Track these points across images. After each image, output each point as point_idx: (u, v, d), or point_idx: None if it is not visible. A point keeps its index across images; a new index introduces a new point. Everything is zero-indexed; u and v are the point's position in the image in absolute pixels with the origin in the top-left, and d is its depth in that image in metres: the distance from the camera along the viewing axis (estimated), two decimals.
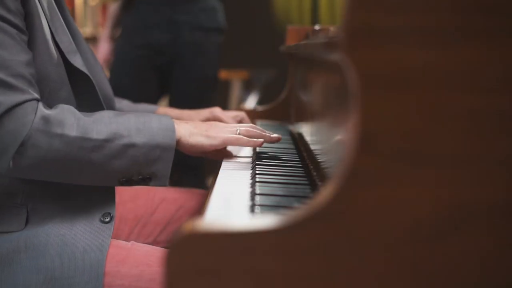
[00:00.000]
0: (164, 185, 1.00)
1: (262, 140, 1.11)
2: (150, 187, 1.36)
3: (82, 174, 0.95)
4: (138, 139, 0.95)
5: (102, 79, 1.16)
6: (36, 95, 0.92)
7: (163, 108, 1.43)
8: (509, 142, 0.55)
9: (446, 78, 0.54)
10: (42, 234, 0.95)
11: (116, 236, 1.21)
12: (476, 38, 0.54)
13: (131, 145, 0.95)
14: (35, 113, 0.90)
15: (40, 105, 0.92)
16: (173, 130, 0.99)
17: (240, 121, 1.39)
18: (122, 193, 1.31)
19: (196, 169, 2.32)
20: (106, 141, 0.93)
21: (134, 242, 1.02)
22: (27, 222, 0.97)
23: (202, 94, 2.27)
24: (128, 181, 0.98)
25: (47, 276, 0.93)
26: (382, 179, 0.55)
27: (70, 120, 0.92)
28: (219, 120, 1.35)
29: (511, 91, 0.54)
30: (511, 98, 0.54)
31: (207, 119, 1.36)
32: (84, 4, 3.68)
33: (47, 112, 0.92)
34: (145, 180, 0.98)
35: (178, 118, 1.35)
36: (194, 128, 1.05)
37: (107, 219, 0.99)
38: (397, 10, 0.54)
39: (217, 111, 1.38)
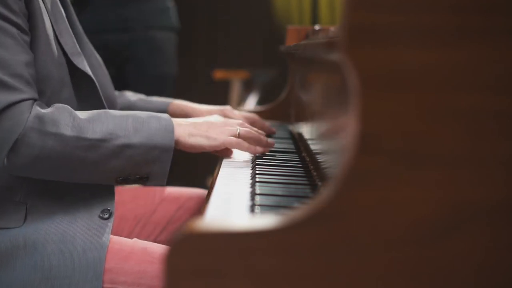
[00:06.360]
0: (162, 185, 1.00)
1: (261, 149, 1.11)
2: (150, 187, 1.36)
3: (77, 173, 0.96)
4: (136, 139, 0.95)
5: (105, 82, 1.17)
6: (34, 95, 0.93)
7: (178, 102, 1.36)
8: (509, 142, 0.55)
9: (446, 78, 0.54)
10: (41, 231, 0.95)
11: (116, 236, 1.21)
12: (475, 38, 0.54)
13: (128, 146, 0.95)
14: (30, 112, 0.91)
15: (36, 104, 0.93)
16: (171, 131, 0.98)
17: (252, 124, 1.31)
18: (122, 193, 1.31)
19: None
20: (102, 141, 0.94)
21: (137, 240, 1.02)
22: (25, 219, 0.97)
23: (159, 93, 2.28)
24: (125, 180, 0.98)
25: (46, 275, 0.93)
26: (382, 179, 0.55)
27: (65, 120, 0.93)
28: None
29: (511, 91, 0.54)
30: (511, 98, 0.54)
31: None
32: None
33: (42, 111, 0.92)
34: (143, 179, 0.99)
35: (190, 113, 1.32)
36: (194, 128, 1.04)
37: (106, 216, 1.00)
38: (397, 10, 0.54)
39: (228, 111, 1.33)
